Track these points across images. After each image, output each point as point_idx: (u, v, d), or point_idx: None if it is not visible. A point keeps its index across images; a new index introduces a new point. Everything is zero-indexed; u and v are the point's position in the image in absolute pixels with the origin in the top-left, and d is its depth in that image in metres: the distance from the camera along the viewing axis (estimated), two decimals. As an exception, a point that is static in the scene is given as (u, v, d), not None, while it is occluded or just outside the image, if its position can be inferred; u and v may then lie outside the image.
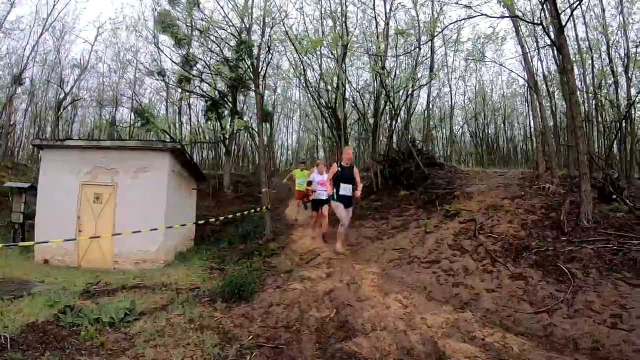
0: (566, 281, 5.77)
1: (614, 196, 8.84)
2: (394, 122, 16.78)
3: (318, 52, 16.94)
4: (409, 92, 15.87)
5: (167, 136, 21.02)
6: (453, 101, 26.68)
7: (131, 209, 10.49)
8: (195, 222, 13.42)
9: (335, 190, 9.16)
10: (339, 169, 9.25)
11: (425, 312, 5.19)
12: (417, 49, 15.37)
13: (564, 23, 8.50)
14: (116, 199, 10.74)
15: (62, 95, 26.37)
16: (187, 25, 19.34)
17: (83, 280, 8.18)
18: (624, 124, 14.16)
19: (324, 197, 10.57)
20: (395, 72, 16.59)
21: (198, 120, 27.52)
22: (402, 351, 4.07)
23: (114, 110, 29.01)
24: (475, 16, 8.94)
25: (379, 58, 14.98)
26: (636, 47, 14.99)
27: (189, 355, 4.14)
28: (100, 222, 10.61)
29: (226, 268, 9.69)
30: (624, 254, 6.29)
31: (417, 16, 15.74)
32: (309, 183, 11.76)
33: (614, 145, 14.71)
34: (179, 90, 23.95)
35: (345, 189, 9.09)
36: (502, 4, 9.10)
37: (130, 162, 10.92)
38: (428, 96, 19.92)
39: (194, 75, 21.13)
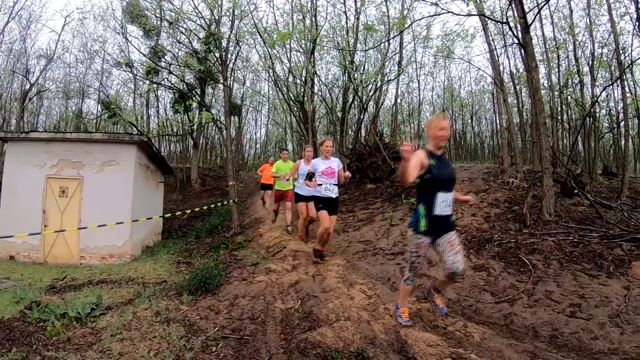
0: (527, 272, 5.92)
1: (576, 191, 9.12)
2: (362, 116, 16.93)
3: (287, 46, 16.97)
4: (378, 86, 16.02)
5: (134, 129, 20.75)
6: (421, 96, 27.09)
7: (97, 203, 10.38)
8: (163, 215, 13.30)
9: (425, 208, 4.20)
10: (430, 160, 4.12)
11: (388, 302, 5.27)
12: (387, 42, 15.53)
13: (530, 22, 8.71)
14: (82, 192, 10.59)
15: (27, 86, 25.79)
16: (156, 16, 19.11)
17: (49, 276, 8.13)
18: (588, 122, 14.56)
19: (334, 195, 7.27)
20: (364, 67, 16.80)
21: (166, 113, 27.34)
22: (366, 340, 4.12)
23: (80, 101, 28.61)
24: (442, 13, 9.10)
25: (348, 52, 15.08)
26: (602, 47, 15.44)
27: (155, 348, 4.12)
28: (66, 216, 10.45)
29: (193, 261, 9.69)
30: (584, 246, 6.50)
31: (387, 12, 15.91)
32: (309, 177, 7.40)
33: (579, 142, 15.12)
34: (147, 82, 23.67)
35: (445, 204, 4.20)
36: (467, 2, 9.21)
37: (96, 155, 10.79)
38: (396, 91, 20.18)
39: (162, 67, 20.89)
